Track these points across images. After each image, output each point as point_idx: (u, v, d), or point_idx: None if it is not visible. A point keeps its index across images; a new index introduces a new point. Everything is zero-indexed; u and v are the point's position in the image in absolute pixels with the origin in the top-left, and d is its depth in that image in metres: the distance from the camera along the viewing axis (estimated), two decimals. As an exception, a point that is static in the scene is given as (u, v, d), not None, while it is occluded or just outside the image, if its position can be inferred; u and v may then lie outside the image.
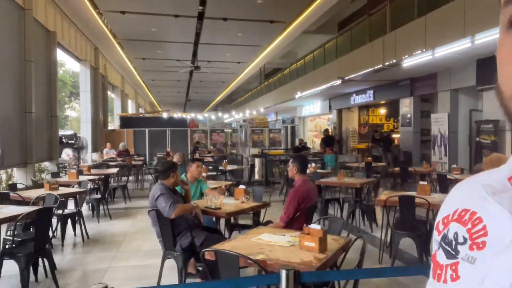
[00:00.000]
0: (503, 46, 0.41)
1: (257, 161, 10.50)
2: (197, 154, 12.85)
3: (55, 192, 4.72)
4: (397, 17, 9.53)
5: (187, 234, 3.36)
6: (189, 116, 22.75)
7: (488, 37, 6.67)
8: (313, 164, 7.55)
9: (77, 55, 13.17)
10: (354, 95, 14.94)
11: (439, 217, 0.57)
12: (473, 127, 9.69)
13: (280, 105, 20.85)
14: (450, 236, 0.51)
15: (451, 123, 10.14)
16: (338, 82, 12.02)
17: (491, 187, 0.47)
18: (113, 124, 20.96)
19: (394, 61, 9.16)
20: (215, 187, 4.77)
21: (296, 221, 3.36)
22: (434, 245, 0.55)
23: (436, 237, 0.55)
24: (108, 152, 14.12)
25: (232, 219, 4.39)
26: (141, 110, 32.00)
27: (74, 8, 11.39)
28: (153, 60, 19.28)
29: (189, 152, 15.98)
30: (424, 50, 8.08)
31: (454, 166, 7.90)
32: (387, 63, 9.48)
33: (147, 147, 16.39)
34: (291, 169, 3.53)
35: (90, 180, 6.11)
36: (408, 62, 8.85)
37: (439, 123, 10.46)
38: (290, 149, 14.93)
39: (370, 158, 9.96)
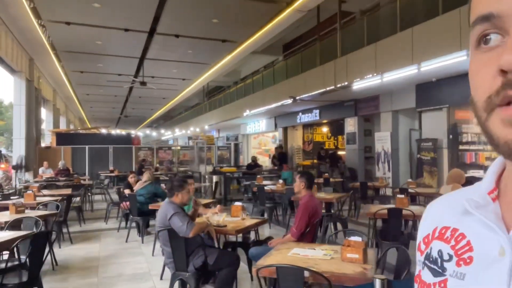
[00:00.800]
0: (472, 62, 0.43)
1: (214, 178, 10.45)
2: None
3: (26, 215, 4.30)
4: (346, 42, 10.31)
5: (199, 253, 3.30)
6: (133, 132, 21.82)
7: (432, 65, 7.55)
8: (281, 181, 7.75)
9: (12, 66, 12.10)
10: (300, 114, 15.62)
11: (419, 238, 0.58)
12: (413, 145, 10.72)
13: (224, 122, 20.99)
14: (434, 254, 0.52)
15: (393, 141, 11.10)
16: (289, 101, 12.53)
17: (474, 201, 0.48)
18: (44, 140, 19.36)
19: (346, 83, 9.86)
20: (204, 205, 4.70)
21: (306, 235, 3.48)
22: (418, 265, 0.56)
23: (419, 257, 0.56)
24: (45, 172, 13.01)
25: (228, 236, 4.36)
26: (71, 126, 29.96)
27: (13, 16, 10.53)
28: (92, 73, 18.33)
29: (133, 170, 15.32)
30: (375, 74, 8.84)
31: (410, 180, 8.62)
32: (339, 85, 10.15)
33: (87, 165, 15.38)
34: (298, 184, 3.66)
35: (53, 201, 5.64)
36: (359, 85, 9.58)
37: (382, 141, 11.37)
38: (241, 166, 15.02)
39: (326, 174, 10.44)
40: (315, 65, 11.56)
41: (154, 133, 34.07)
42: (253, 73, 20.35)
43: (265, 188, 7.43)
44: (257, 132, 20.56)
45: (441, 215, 0.55)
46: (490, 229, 0.44)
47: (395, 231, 4.25)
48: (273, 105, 13.87)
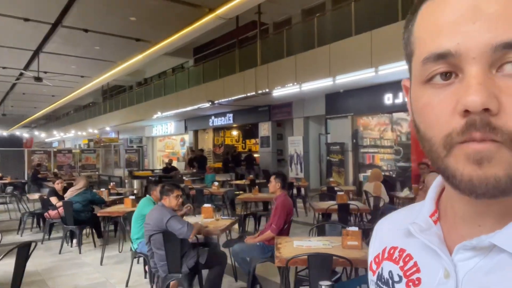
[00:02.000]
0: (422, 97, 0.42)
1: (136, 183, 10.07)
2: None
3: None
4: (267, 53, 11.01)
5: (191, 254, 3.39)
6: (25, 134, 19.19)
7: (345, 78, 8.65)
8: (216, 183, 7.95)
9: None
10: (213, 117, 15.90)
11: (370, 257, 0.58)
12: (323, 148, 11.93)
13: (125, 124, 19.98)
14: (385, 275, 0.53)
15: (305, 145, 12.19)
16: (207, 104, 12.73)
17: (418, 225, 0.48)
18: None
19: (267, 90, 10.52)
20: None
21: (283, 231, 3.85)
22: (371, 285, 0.56)
23: (371, 277, 0.57)
24: None
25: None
26: None
27: None
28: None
29: (26, 177, 13.63)
30: (295, 83, 9.67)
31: (331, 179, 9.68)
32: (260, 91, 10.77)
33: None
34: (274, 185, 3.99)
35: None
36: (280, 92, 10.34)
37: (295, 144, 12.39)
38: (154, 169, 14.59)
39: (251, 176, 10.93)
40: (234, 71, 12.00)
41: (42, 135, 30.42)
42: (160, 74, 19.91)
43: (204, 190, 7.57)
44: (165, 134, 20.14)
45: (389, 234, 0.56)
46: (434, 253, 0.46)
47: (345, 224, 4.90)
48: (189, 108, 13.88)
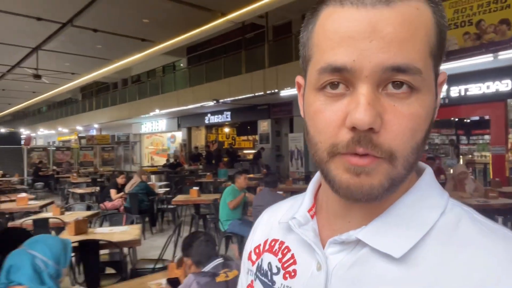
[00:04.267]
0: (314, 101, 0.44)
1: (155, 178, 10.60)
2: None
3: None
4: (276, 55, 11.87)
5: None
6: (24, 131, 18.77)
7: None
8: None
9: None
10: (209, 115, 16.52)
11: (250, 247, 0.60)
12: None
13: (110, 122, 20.08)
14: (265, 266, 0.55)
15: (305, 141, 13.18)
16: (211, 103, 13.40)
17: (297, 220, 0.51)
18: None
19: (276, 90, 11.39)
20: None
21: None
22: (249, 275, 0.58)
23: (250, 267, 0.58)
24: None
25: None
26: None
27: None
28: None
29: (26, 174, 13.63)
30: (305, 85, 10.60)
31: None
32: (268, 92, 11.62)
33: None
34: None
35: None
36: (288, 93, 11.25)
37: (296, 141, 13.36)
38: (165, 165, 15.01)
39: (265, 170, 11.74)
40: (240, 72, 12.75)
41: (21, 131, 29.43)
42: (149, 72, 20.15)
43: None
44: (155, 131, 20.43)
45: (271, 227, 0.58)
46: (310, 246, 0.49)
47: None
48: (191, 106, 14.46)
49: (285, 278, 0.51)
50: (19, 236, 2.61)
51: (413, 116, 0.41)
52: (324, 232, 0.50)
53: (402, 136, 0.41)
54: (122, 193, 6.74)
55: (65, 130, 25.34)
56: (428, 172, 0.49)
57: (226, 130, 18.71)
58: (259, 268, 0.56)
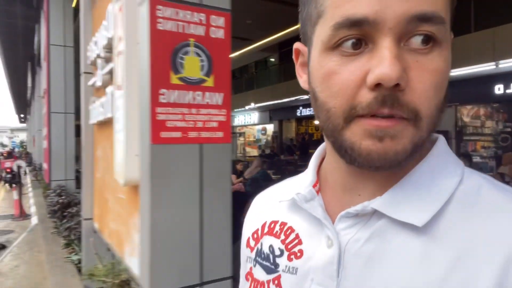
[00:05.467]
0: (326, 65, 0.40)
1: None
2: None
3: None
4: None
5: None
6: None
7: (463, 71, 9.38)
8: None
9: None
10: (301, 108, 17.02)
11: (247, 233, 0.57)
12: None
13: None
14: (266, 250, 0.52)
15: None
16: (306, 96, 13.87)
17: (303, 196, 0.48)
18: None
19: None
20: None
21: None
22: (248, 263, 0.55)
23: (248, 254, 0.55)
24: None
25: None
26: None
27: None
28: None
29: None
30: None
31: None
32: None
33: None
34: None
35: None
36: None
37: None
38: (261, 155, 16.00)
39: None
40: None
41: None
42: (242, 68, 21.26)
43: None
44: (248, 124, 21.57)
45: (269, 208, 0.55)
46: (318, 222, 0.46)
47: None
48: (285, 100, 15.12)
49: (290, 259, 0.48)
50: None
51: (436, 72, 0.38)
52: (331, 208, 0.47)
53: (428, 94, 0.38)
54: (241, 178, 7.56)
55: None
56: (442, 139, 0.46)
57: (316, 122, 19.02)
58: (259, 252, 0.53)
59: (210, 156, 1.70)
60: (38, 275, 4.56)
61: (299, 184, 0.51)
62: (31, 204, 9.35)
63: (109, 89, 2.35)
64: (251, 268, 0.54)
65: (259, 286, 0.51)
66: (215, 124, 1.69)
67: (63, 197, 5.48)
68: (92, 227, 3.23)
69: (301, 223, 0.49)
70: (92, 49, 2.85)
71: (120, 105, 1.95)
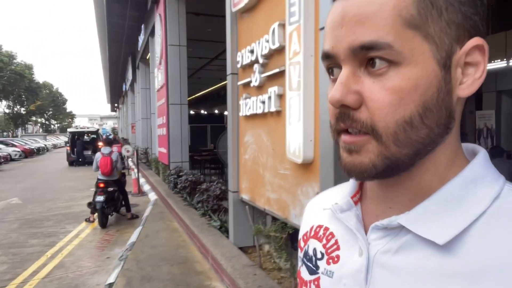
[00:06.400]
0: (328, 88, 0.47)
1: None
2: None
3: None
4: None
5: None
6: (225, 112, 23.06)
7: None
8: None
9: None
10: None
11: (300, 235, 0.61)
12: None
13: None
14: (310, 252, 0.55)
15: (497, 119, 12.44)
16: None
17: (339, 206, 0.52)
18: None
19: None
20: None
21: None
22: (299, 262, 0.59)
23: (299, 253, 0.59)
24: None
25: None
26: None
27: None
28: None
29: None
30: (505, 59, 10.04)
31: None
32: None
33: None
34: None
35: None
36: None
37: (485, 118, 12.70)
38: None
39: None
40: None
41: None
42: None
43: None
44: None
45: (316, 213, 0.59)
46: (352, 232, 0.49)
47: None
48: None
49: (328, 263, 0.51)
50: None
51: (391, 90, 0.40)
52: (368, 218, 0.50)
53: (381, 111, 0.40)
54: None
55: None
56: (482, 154, 0.46)
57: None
58: (306, 254, 0.57)
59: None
60: (178, 238, 5.59)
61: (342, 192, 0.55)
62: (143, 183, 10.78)
63: (272, 89, 3.02)
64: (300, 268, 0.58)
65: (303, 285, 0.55)
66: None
67: (190, 176, 6.47)
68: (238, 198, 4.02)
69: (341, 231, 0.52)
70: (245, 56, 3.57)
71: (294, 103, 2.60)
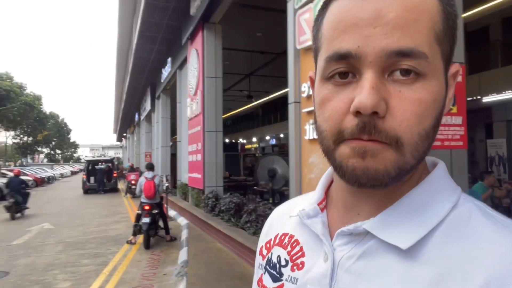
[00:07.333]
0: (322, 91, 0.45)
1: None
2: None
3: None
4: (476, 63, 12.15)
5: None
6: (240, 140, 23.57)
7: None
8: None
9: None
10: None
11: (261, 242, 0.63)
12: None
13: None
14: (274, 260, 0.57)
15: (509, 147, 12.93)
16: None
17: (306, 212, 0.53)
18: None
19: (478, 97, 11.66)
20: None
21: None
22: (259, 269, 0.60)
23: (260, 261, 0.61)
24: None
25: None
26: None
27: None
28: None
29: (242, 174, 17.05)
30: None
31: None
32: (468, 98, 11.96)
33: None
34: None
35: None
36: (492, 99, 11.39)
37: (496, 147, 13.19)
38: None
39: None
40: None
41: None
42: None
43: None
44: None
45: (282, 222, 0.60)
46: (318, 238, 0.50)
47: None
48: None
49: (292, 270, 0.52)
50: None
51: (419, 101, 0.41)
52: (333, 224, 0.51)
53: (408, 122, 0.40)
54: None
55: (254, 140, 29.60)
56: (441, 166, 0.49)
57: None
58: (269, 261, 0.58)
59: (455, 157, 2.70)
60: (227, 257, 5.87)
61: (308, 200, 0.56)
62: (169, 208, 11.06)
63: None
64: (261, 275, 0.59)
65: None
66: (458, 137, 2.69)
67: (235, 198, 6.83)
68: (300, 215, 4.38)
69: (306, 237, 0.53)
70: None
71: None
